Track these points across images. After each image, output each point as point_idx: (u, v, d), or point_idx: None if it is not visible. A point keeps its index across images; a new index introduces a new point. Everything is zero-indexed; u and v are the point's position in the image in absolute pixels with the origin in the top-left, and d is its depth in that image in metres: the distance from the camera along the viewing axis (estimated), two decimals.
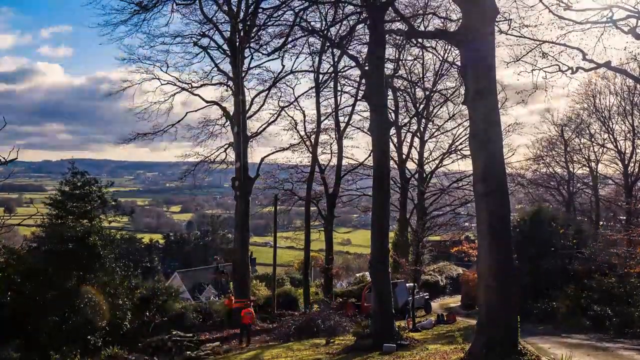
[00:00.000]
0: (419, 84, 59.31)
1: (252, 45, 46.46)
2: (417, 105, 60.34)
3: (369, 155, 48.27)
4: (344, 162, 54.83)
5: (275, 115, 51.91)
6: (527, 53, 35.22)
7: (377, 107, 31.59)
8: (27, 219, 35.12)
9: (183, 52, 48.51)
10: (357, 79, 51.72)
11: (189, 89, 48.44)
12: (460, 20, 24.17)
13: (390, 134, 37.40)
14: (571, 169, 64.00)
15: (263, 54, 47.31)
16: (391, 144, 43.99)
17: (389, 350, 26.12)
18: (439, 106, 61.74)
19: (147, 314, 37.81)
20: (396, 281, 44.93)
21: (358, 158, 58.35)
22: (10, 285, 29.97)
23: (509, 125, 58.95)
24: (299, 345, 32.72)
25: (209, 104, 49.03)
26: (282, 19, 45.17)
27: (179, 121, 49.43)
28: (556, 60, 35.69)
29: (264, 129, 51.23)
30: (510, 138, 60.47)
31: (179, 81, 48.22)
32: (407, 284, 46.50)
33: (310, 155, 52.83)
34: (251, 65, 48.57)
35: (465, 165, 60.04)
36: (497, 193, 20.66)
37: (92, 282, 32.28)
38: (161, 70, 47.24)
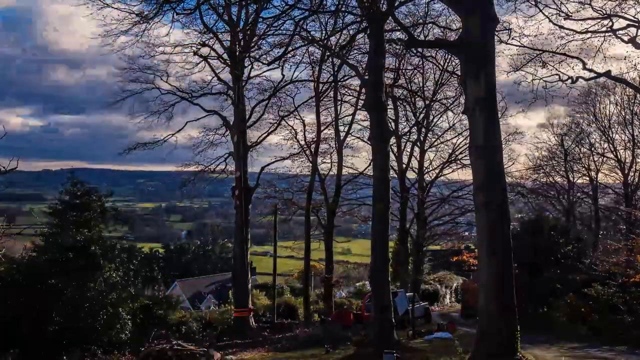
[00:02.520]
0: (419, 94, 59.31)
1: (252, 54, 46.54)
2: (417, 114, 60.38)
3: (369, 165, 48.25)
4: (344, 171, 54.77)
5: (275, 125, 51.98)
6: (527, 62, 35.43)
7: (377, 117, 31.66)
8: (27, 228, 35.13)
9: (183, 61, 48.35)
10: (357, 88, 51.70)
11: (189, 99, 48.47)
12: (460, 30, 24.27)
13: (390, 143, 37.38)
14: (571, 179, 64.03)
15: (263, 63, 47.32)
16: (391, 153, 43.93)
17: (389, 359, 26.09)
18: (439, 115, 61.81)
19: (147, 323, 37.75)
20: (396, 290, 44.86)
21: (358, 167, 58.28)
22: (9, 294, 29.93)
23: (508, 135, 59.00)
24: (299, 355, 32.71)
25: (209, 113, 49.09)
26: (282, 28, 45.31)
27: (179, 130, 49.61)
28: (556, 69, 35.87)
29: (264, 138, 51.32)
30: (510, 147, 60.24)
31: (179, 90, 48.32)
32: (408, 294, 46.39)
33: (310, 164, 52.82)
34: (251, 75, 48.57)
35: (465, 175, 60.01)
36: (497, 202, 20.71)
37: (92, 292, 32.23)
38: (161, 79, 47.35)
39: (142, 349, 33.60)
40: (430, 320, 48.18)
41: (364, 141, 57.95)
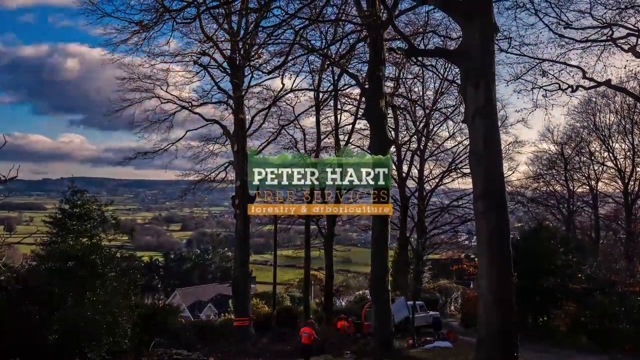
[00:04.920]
0: (419, 103, 59.35)
1: (252, 63, 46.52)
2: (417, 123, 60.40)
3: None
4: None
5: (276, 134, 51.94)
6: (527, 71, 35.39)
7: (377, 125, 31.70)
8: (27, 237, 35.08)
9: (183, 70, 48.35)
10: (357, 97, 51.63)
11: (189, 108, 48.39)
12: (460, 39, 24.28)
13: (391, 152, 37.39)
14: (571, 187, 64.08)
15: (263, 72, 47.05)
16: (391, 162, 43.88)
17: None
18: (439, 124, 61.80)
19: (147, 331, 37.65)
20: (393, 297, 44.69)
21: None
22: (9, 304, 29.86)
23: (509, 144, 58.97)
24: None
25: (209, 122, 49.01)
26: (282, 37, 45.14)
27: (179, 139, 49.50)
28: (556, 78, 35.85)
29: (264, 147, 51.23)
30: (510, 156, 60.18)
31: (179, 100, 48.20)
32: (410, 302, 46.15)
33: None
34: (251, 84, 48.37)
35: (465, 184, 60.01)
36: (497, 210, 20.68)
37: (92, 301, 32.16)
38: (161, 89, 47.28)
39: (143, 357, 33.64)
40: (440, 329, 47.57)
41: (364, 150, 57.90)
